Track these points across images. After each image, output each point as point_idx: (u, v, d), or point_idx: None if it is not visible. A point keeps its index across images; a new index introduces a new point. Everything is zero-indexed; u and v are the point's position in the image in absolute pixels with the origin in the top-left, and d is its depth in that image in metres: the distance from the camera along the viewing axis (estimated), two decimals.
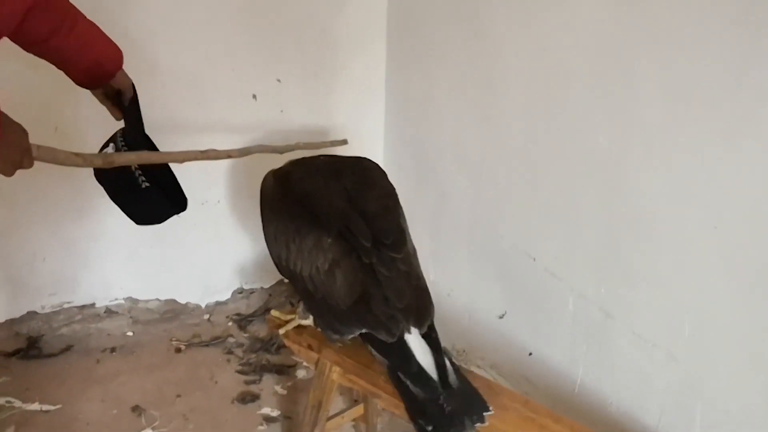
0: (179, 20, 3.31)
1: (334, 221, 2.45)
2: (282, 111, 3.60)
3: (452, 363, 2.41)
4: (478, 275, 3.35)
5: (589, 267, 2.76)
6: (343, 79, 3.77)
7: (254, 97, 3.54)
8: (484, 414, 2.27)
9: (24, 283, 3.41)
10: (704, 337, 2.38)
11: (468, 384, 2.37)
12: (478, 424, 2.24)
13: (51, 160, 1.91)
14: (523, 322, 3.13)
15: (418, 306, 2.39)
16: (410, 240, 2.53)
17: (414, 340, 2.35)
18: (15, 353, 3.39)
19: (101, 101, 2.50)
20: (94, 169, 2.49)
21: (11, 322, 3.43)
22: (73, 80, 2.38)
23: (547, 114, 2.85)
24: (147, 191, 2.37)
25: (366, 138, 3.11)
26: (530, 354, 3.08)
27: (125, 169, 2.43)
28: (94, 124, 3.20)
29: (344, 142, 3.06)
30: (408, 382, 2.32)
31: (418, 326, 2.36)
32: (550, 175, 2.87)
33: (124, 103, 2.49)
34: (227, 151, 2.51)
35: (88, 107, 3.16)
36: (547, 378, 2.99)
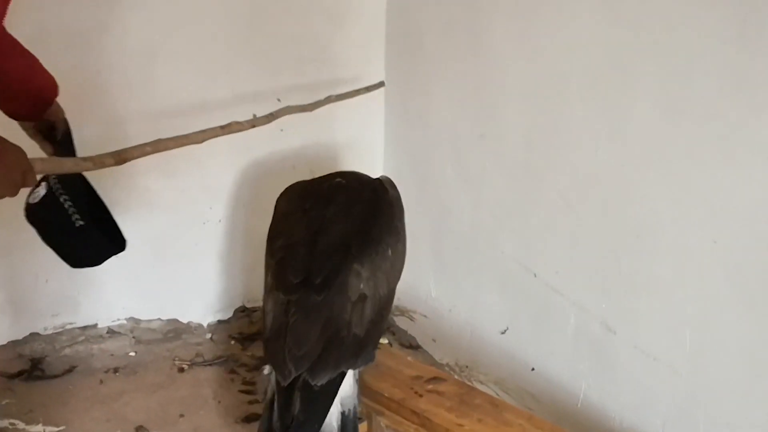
0: (178, 40, 3.33)
1: (281, 249, 2.43)
2: (282, 130, 3.60)
3: (344, 428, 2.33)
4: (480, 291, 3.36)
5: (591, 282, 2.76)
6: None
7: (254, 116, 3.54)
8: None
9: (26, 305, 3.41)
10: (706, 350, 2.38)
11: None
12: None
13: (58, 170, 1.92)
14: (526, 338, 3.13)
15: (320, 357, 2.23)
16: (373, 281, 2.37)
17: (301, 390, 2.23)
18: (18, 375, 3.38)
19: (31, 136, 2.39)
20: (25, 209, 2.43)
21: (14, 344, 3.44)
22: (9, 112, 2.28)
23: (546, 128, 2.87)
24: (82, 231, 2.30)
25: (366, 154, 3.12)
26: (533, 369, 3.08)
27: (57, 207, 2.36)
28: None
29: (381, 84, 2.99)
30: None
31: (311, 377, 2.21)
32: (550, 190, 2.88)
33: (56, 137, 2.40)
34: (251, 120, 2.44)
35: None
36: (551, 393, 2.99)
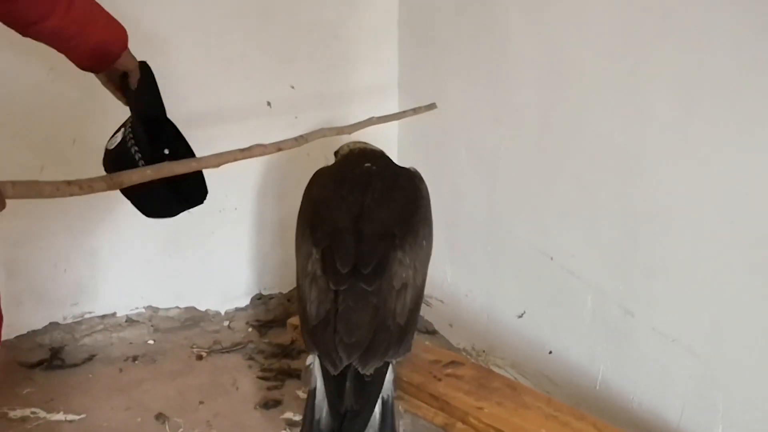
0: (192, 28, 3.33)
1: (326, 237, 2.45)
2: (296, 117, 3.61)
3: (384, 413, 2.35)
4: (496, 275, 3.36)
5: (607, 264, 2.76)
6: (356, 83, 3.78)
7: (268, 104, 3.56)
8: None
9: (45, 294, 3.43)
10: (724, 331, 2.38)
11: None
12: None
13: (34, 196, 1.63)
14: (543, 321, 3.13)
15: (371, 346, 2.27)
16: (412, 270, 2.42)
17: (353, 380, 2.28)
18: (38, 364, 3.40)
19: (104, 84, 2.44)
20: (104, 155, 2.48)
21: (33, 334, 3.45)
22: (76, 63, 2.30)
23: (561, 111, 2.87)
24: (151, 185, 2.33)
25: (380, 139, 3.11)
26: (550, 352, 3.09)
27: (128, 158, 2.39)
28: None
29: (432, 106, 2.89)
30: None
31: (361, 366, 2.26)
32: (566, 172, 2.88)
33: (130, 86, 2.43)
34: (276, 143, 2.18)
35: (104, 119, 3.21)
36: (568, 376, 2.99)
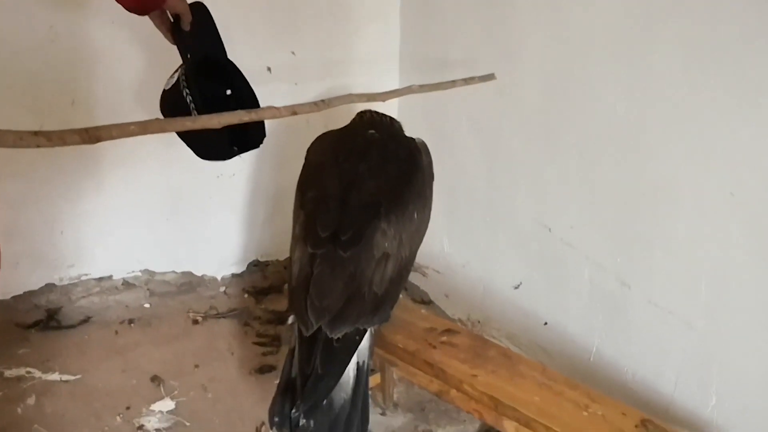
0: None
1: (312, 201, 2.46)
2: (296, 84, 3.60)
3: (359, 378, 2.38)
4: (494, 246, 3.36)
5: (606, 236, 2.76)
6: (357, 50, 3.77)
7: (268, 69, 3.54)
8: None
9: (42, 256, 3.43)
10: (720, 303, 2.39)
11: (356, 407, 2.36)
12: None
13: None
14: (539, 293, 3.14)
15: (341, 311, 2.28)
16: (396, 242, 2.41)
17: (321, 343, 2.29)
18: (34, 325, 3.41)
19: (157, 27, 2.43)
20: (161, 99, 2.49)
21: (30, 294, 3.46)
22: (122, 4, 2.28)
23: (563, 83, 2.85)
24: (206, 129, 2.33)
25: (381, 109, 3.10)
26: (545, 324, 3.09)
27: (181, 100, 2.41)
28: (114, 96, 3.23)
29: (490, 77, 2.73)
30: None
31: (330, 330, 2.27)
32: (567, 145, 2.87)
33: (183, 28, 2.43)
34: (292, 107, 1.97)
35: (104, 80, 3.19)
36: (563, 347, 3.00)
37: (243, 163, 3.67)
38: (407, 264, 2.50)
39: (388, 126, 2.78)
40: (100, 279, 3.62)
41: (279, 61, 3.57)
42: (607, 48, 2.65)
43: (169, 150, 3.36)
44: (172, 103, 2.48)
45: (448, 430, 2.91)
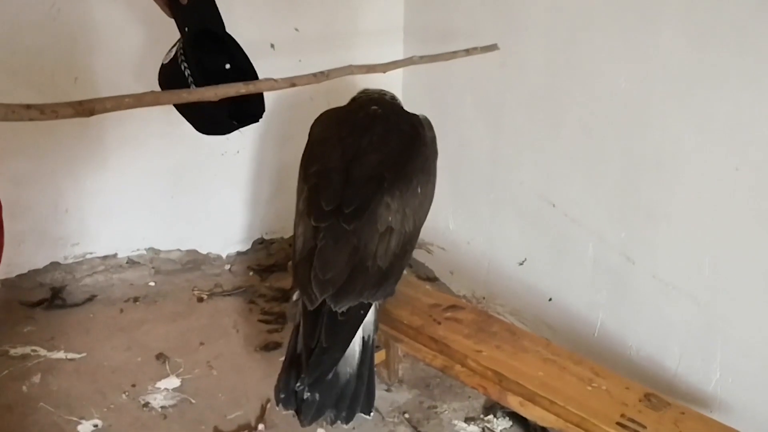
0: None
1: (315, 175, 2.46)
2: (300, 61, 3.58)
3: (364, 352, 2.40)
4: (498, 223, 3.35)
5: (610, 211, 2.76)
6: (360, 25, 3.75)
7: (272, 46, 3.53)
8: (359, 414, 2.34)
9: (46, 234, 3.43)
10: (724, 278, 2.39)
11: (362, 380, 2.37)
12: (335, 421, 2.31)
13: None
14: (543, 269, 3.13)
15: (345, 284, 2.29)
16: (400, 216, 2.41)
17: (326, 317, 2.30)
18: (39, 303, 3.41)
19: (155, 0, 2.43)
20: (159, 73, 2.48)
21: (34, 273, 3.46)
22: None
23: (568, 57, 2.84)
24: (205, 103, 2.31)
25: (384, 84, 3.09)
26: (550, 299, 3.09)
27: (179, 74, 2.41)
28: (114, 71, 3.22)
29: (493, 47, 2.63)
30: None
31: (334, 303, 2.28)
32: (571, 119, 2.86)
33: (181, 1, 2.42)
34: (290, 78, 1.94)
35: (105, 55, 3.17)
36: (567, 323, 3.00)
37: (247, 140, 3.66)
38: (411, 239, 2.49)
39: (390, 103, 2.77)
40: (105, 257, 3.62)
41: (282, 38, 3.55)
42: (611, 20, 2.63)
43: (173, 128, 3.34)
44: (170, 77, 2.47)
45: (452, 406, 2.92)
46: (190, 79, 2.38)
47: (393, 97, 2.82)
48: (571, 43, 2.81)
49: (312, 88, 3.11)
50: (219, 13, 2.58)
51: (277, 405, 2.35)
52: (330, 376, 2.31)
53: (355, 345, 2.38)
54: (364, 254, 2.32)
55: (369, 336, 2.43)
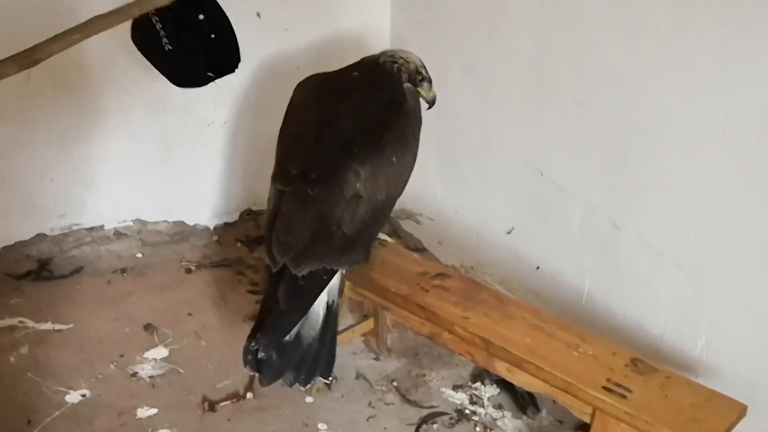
0: None
1: (287, 138, 2.48)
2: (287, 30, 3.56)
3: (328, 317, 2.43)
4: (486, 191, 3.35)
5: (597, 178, 2.76)
6: None
7: (258, 15, 3.50)
8: (318, 378, 2.42)
9: (32, 205, 3.41)
10: (710, 244, 2.40)
11: (324, 344, 2.42)
12: (297, 384, 2.39)
13: None
14: (531, 237, 3.14)
15: (306, 247, 2.30)
16: (371, 184, 2.37)
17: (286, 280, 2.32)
18: (26, 275, 3.41)
19: None
20: (131, 26, 2.45)
21: (21, 245, 3.45)
22: None
23: (555, 26, 2.83)
24: (171, 54, 2.28)
25: (372, 52, 3.06)
26: (538, 268, 3.10)
27: (152, 30, 2.39)
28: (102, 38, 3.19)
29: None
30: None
31: (293, 266, 2.30)
32: (558, 88, 2.85)
33: None
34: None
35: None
36: (555, 291, 3.01)
37: (234, 111, 3.65)
38: (384, 207, 2.47)
39: (379, 69, 2.68)
40: (92, 229, 3.60)
41: (268, 6, 3.52)
42: None
43: (159, 98, 3.34)
44: (142, 32, 2.43)
45: (441, 374, 2.93)
46: (163, 33, 2.35)
47: (393, 63, 2.65)
48: (558, 12, 2.80)
49: (299, 58, 3.10)
50: None
51: (244, 367, 2.38)
52: (291, 338, 2.36)
53: (319, 309, 2.42)
54: (328, 220, 2.31)
55: (334, 301, 2.45)
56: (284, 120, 2.56)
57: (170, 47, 2.34)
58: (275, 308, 2.29)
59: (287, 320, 2.31)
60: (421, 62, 2.66)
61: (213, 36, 2.59)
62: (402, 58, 2.62)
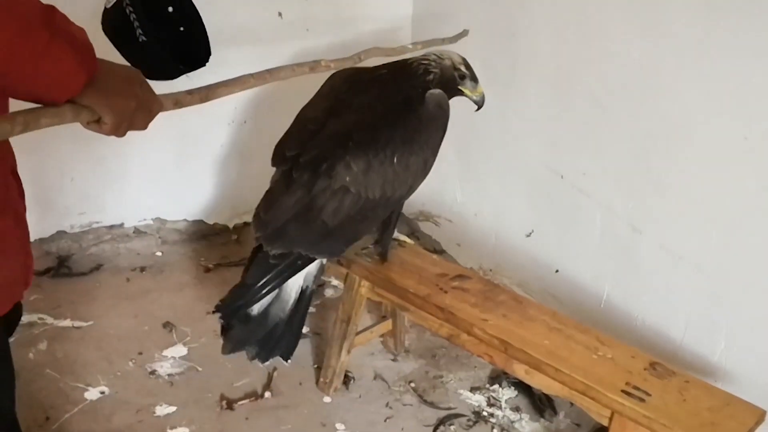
0: None
1: (295, 122, 2.50)
2: (308, 30, 3.56)
3: (299, 302, 2.48)
4: (506, 194, 3.34)
5: (618, 182, 2.75)
6: None
7: (279, 15, 3.50)
8: (275, 357, 2.46)
9: (53, 203, 3.43)
10: (731, 249, 2.38)
11: (290, 327, 2.48)
12: (254, 357, 2.45)
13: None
14: (550, 240, 3.13)
15: (281, 228, 2.31)
16: (363, 179, 2.32)
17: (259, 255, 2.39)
18: (45, 272, 3.43)
19: None
20: (102, 18, 2.41)
21: (41, 242, 3.46)
22: None
23: (577, 26, 2.83)
24: (144, 46, 2.25)
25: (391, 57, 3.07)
26: (557, 271, 3.09)
27: (124, 20, 2.33)
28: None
29: (463, 34, 2.74)
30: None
31: (265, 242, 2.34)
32: (580, 90, 2.85)
33: None
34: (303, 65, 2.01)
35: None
36: (574, 294, 3.00)
37: (255, 108, 3.65)
38: (374, 207, 2.40)
39: (407, 70, 2.52)
40: (111, 227, 3.62)
41: (290, 6, 3.52)
42: None
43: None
44: (114, 22, 2.40)
45: (458, 376, 2.93)
46: (136, 23, 2.31)
47: (421, 63, 2.49)
48: (581, 13, 2.79)
49: (321, 57, 3.08)
50: None
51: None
52: (258, 313, 2.42)
53: (292, 291, 2.46)
54: (310, 206, 2.30)
55: (308, 287, 2.49)
56: (303, 107, 2.57)
57: (144, 38, 2.32)
58: (241, 281, 2.39)
59: (250, 293, 2.37)
60: (462, 59, 2.50)
61: (182, 29, 2.58)
62: (435, 57, 2.49)
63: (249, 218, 3.85)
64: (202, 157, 3.65)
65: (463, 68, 2.49)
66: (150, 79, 2.55)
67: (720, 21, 2.28)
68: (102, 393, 2.77)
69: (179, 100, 1.56)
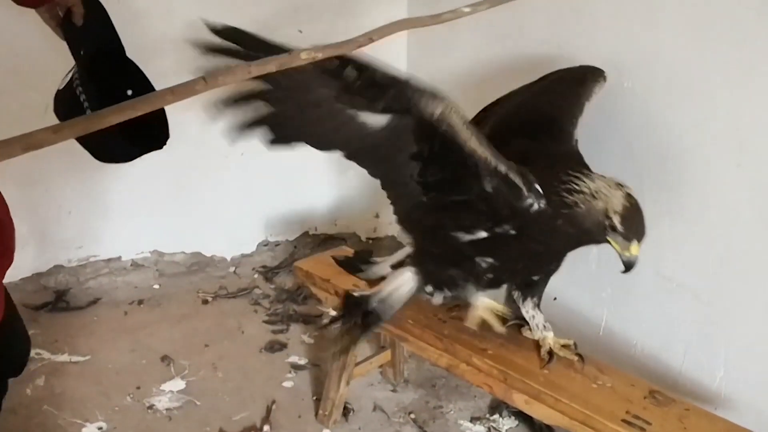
0: None
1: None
2: (301, 31, 3.53)
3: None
4: None
5: None
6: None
7: (300, 32, 3.49)
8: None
9: (50, 237, 3.44)
10: (729, 275, 2.38)
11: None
12: None
13: None
14: None
15: None
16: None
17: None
18: (43, 306, 3.43)
19: (46, 22, 2.31)
20: (54, 100, 2.39)
21: (38, 276, 3.47)
22: None
23: (573, 44, 2.83)
24: (105, 130, 2.25)
25: (389, 48, 3.03)
26: (555, 299, 3.08)
27: (75, 101, 2.30)
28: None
29: None
30: None
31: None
32: None
33: (75, 22, 2.30)
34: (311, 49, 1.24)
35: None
36: (572, 322, 2.98)
37: (251, 141, 3.64)
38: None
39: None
40: (109, 260, 3.62)
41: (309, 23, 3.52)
42: (614, 11, 2.63)
43: (175, 129, 3.33)
44: (66, 104, 2.38)
45: (458, 406, 2.92)
46: (86, 105, 2.28)
47: (572, 191, 2.07)
48: (574, 29, 2.81)
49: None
50: (117, 34, 2.48)
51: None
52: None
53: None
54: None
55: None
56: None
57: None
58: None
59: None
60: (624, 207, 2.01)
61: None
62: (588, 191, 2.05)
63: (246, 249, 3.88)
64: (199, 190, 3.65)
65: (616, 221, 2.00)
66: (102, 161, 2.51)
67: (709, 48, 2.30)
68: (100, 429, 2.75)
69: None
